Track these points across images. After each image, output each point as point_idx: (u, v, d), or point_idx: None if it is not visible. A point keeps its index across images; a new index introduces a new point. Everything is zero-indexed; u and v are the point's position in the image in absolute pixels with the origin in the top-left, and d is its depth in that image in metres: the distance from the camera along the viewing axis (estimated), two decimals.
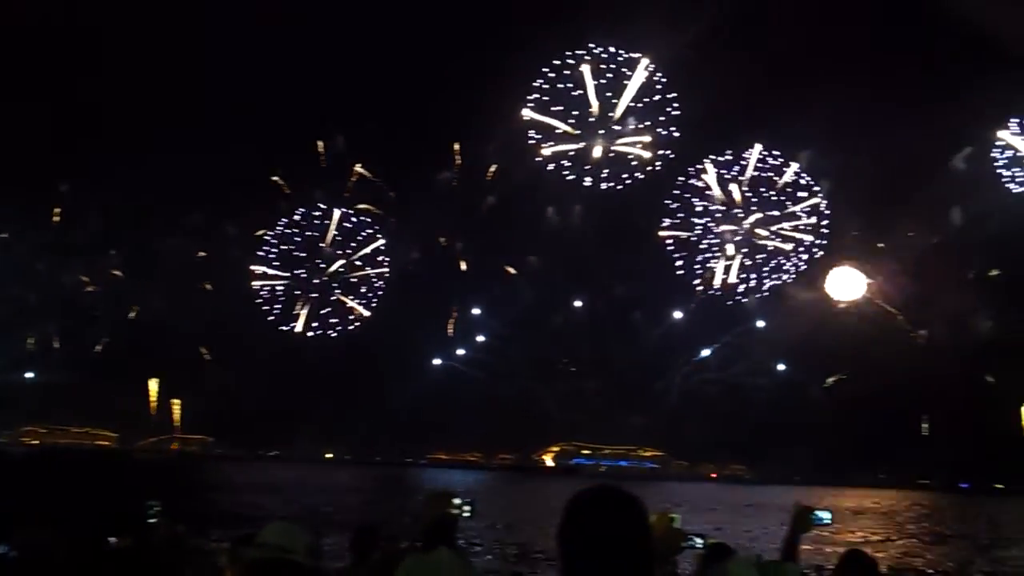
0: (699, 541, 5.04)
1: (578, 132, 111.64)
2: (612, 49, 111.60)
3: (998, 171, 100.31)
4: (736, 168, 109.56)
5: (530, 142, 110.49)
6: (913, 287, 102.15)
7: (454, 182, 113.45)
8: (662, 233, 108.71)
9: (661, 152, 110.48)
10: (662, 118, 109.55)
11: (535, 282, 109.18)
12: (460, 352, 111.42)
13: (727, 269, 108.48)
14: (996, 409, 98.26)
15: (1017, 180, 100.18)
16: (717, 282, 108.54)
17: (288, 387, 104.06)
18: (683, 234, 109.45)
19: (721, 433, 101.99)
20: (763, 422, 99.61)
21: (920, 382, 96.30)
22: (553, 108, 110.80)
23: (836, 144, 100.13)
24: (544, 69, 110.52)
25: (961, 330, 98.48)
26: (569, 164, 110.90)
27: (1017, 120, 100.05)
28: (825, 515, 5.45)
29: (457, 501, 4.88)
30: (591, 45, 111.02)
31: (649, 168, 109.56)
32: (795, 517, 5.31)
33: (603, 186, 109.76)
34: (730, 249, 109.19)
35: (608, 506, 2.50)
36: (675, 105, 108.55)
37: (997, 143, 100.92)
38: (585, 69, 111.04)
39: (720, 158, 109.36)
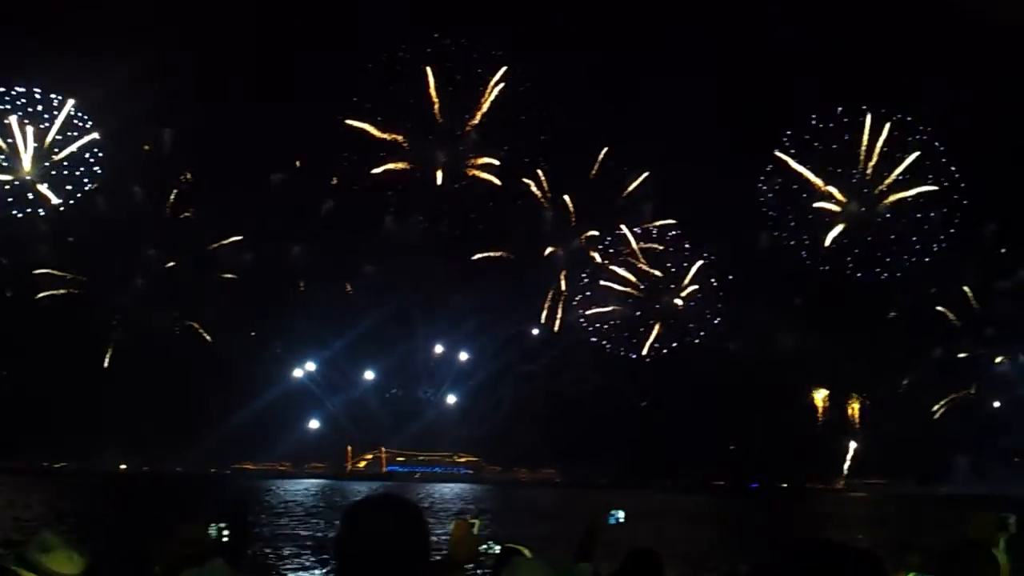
0: (497, 547, 5.02)
1: (409, 149, 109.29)
2: (464, 42, 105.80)
3: (763, 209, 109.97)
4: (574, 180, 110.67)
5: (355, 156, 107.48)
6: (725, 305, 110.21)
7: (290, 186, 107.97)
8: (479, 256, 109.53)
9: (526, 182, 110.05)
10: (521, 143, 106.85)
11: (372, 293, 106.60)
12: (294, 367, 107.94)
13: (553, 312, 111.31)
14: (793, 414, 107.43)
15: (789, 219, 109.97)
16: (544, 317, 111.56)
17: (89, 396, 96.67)
18: (504, 255, 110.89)
19: (543, 440, 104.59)
20: (582, 429, 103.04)
21: (729, 391, 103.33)
22: (382, 116, 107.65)
23: (668, 165, 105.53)
24: (379, 64, 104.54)
25: (766, 345, 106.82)
26: (396, 196, 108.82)
27: (788, 133, 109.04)
28: (619, 514, 5.59)
29: (221, 526, 4.62)
30: (436, 35, 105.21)
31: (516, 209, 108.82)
32: (592, 516, 5.43)
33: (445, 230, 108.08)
34: (562, 281, 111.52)
35: (384, 512, 2.47)
36: (550, 124, 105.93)
37: (768, 169, 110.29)
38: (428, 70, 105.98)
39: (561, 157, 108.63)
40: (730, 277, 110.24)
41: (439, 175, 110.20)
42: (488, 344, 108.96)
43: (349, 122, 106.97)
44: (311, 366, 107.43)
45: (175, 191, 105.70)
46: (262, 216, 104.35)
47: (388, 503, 2.50)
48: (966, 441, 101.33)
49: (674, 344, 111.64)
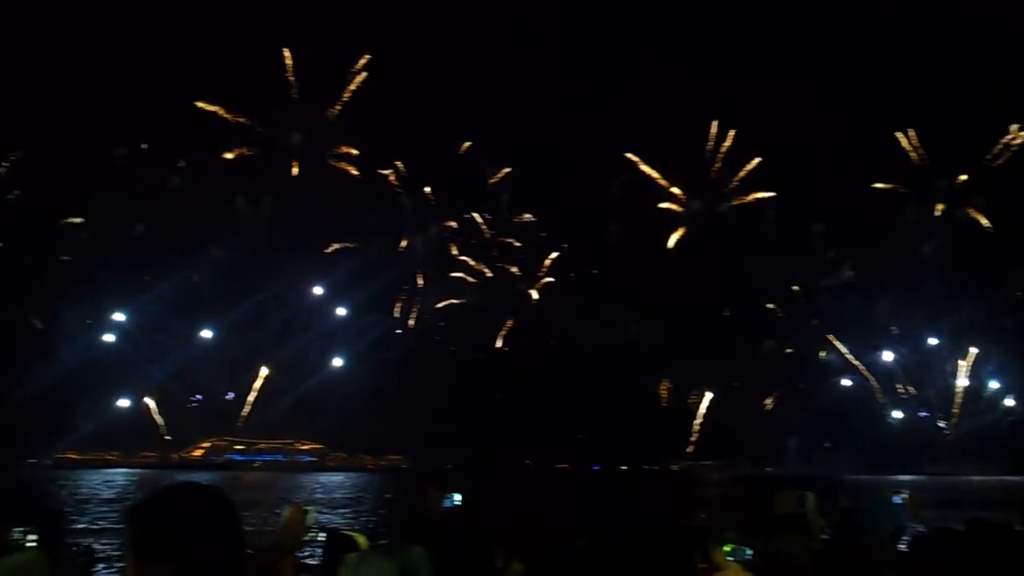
0: (322, 535, 4.95)
1: (264, 133, 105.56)
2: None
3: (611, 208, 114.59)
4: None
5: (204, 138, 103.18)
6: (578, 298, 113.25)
7: (134, 167, 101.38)
8: (332, 247, 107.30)
9: (384, 173, 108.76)
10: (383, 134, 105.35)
11: (217, 274, 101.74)
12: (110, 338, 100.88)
13: (409, 303, 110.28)
14: (638, 402, 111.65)
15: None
16: (400, 308, 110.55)
17: None
18: (357, 246, 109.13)
19: (394, 427, 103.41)
20: (434, 417, 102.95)
21: (579, 381, 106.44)
22: (236, 100, 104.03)
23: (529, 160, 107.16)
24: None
25: (616, 338, 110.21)
26: (249, 181, 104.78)
27: (634, 146, 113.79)
28: (456, 497, 5.61)
29: (24, 529, 4.31)
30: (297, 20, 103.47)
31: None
32: (425, 499, 5.42)
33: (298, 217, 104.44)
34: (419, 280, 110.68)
35: (187, 501, 2.32)
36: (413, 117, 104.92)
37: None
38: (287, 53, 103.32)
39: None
40: (595, 271, 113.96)
41: (295, 162, 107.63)
42: (345, 331, 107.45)
43: (199, 104, 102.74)
44: (119, 316, 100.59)
45: (3, 166, 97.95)
46: (103, 197, 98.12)
47: (190, 489, 2.39)
48: (795, 426, 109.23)
49: (527, 341, 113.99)
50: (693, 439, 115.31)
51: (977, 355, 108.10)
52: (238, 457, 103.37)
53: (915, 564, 4.42)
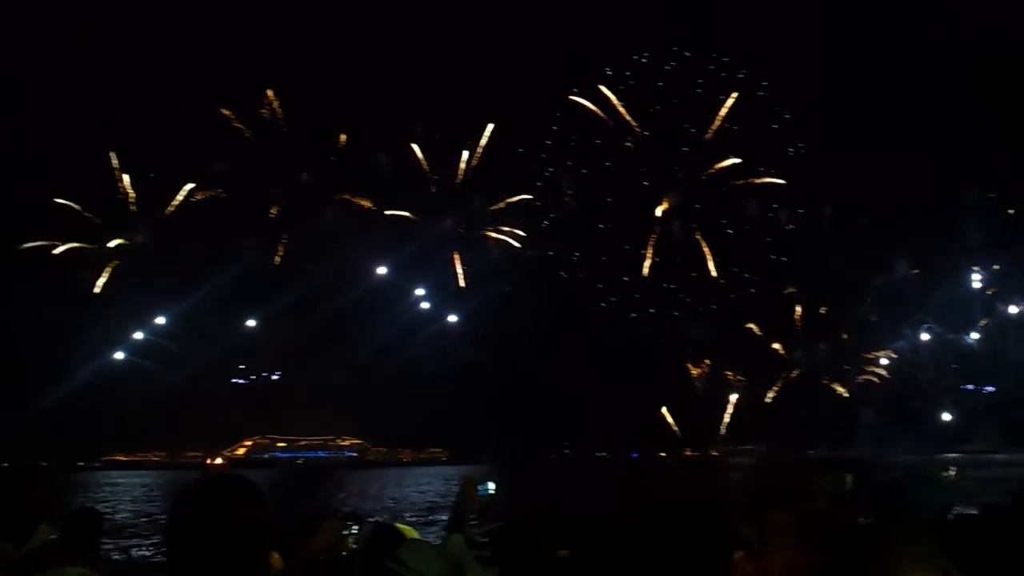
0: (355, 527, 4.94)
1: None
2: None
3: None
4: None
5: None
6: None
7: None
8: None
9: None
10: None
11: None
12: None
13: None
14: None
15: None
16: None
17: None
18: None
19: (435, 420, 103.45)
20: (477, 410, 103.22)
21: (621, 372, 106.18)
22: None
23: None
24: None
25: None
26: None
27: None
28: (490, 485, 5.60)
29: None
30: None
31: None
32: (462, 488, 5.40)
33: None
34: None
35: (215, 495, 2.28)
36: None
37: None
38: None
39: None
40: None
41: None
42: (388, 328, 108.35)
43: None
44: (161, 320, 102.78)
45: None
46: None
47: (220, 483, 2.36)
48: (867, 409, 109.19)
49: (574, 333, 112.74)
50: (731, 423, 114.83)
51: None
52: (282, 455, 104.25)
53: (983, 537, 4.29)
